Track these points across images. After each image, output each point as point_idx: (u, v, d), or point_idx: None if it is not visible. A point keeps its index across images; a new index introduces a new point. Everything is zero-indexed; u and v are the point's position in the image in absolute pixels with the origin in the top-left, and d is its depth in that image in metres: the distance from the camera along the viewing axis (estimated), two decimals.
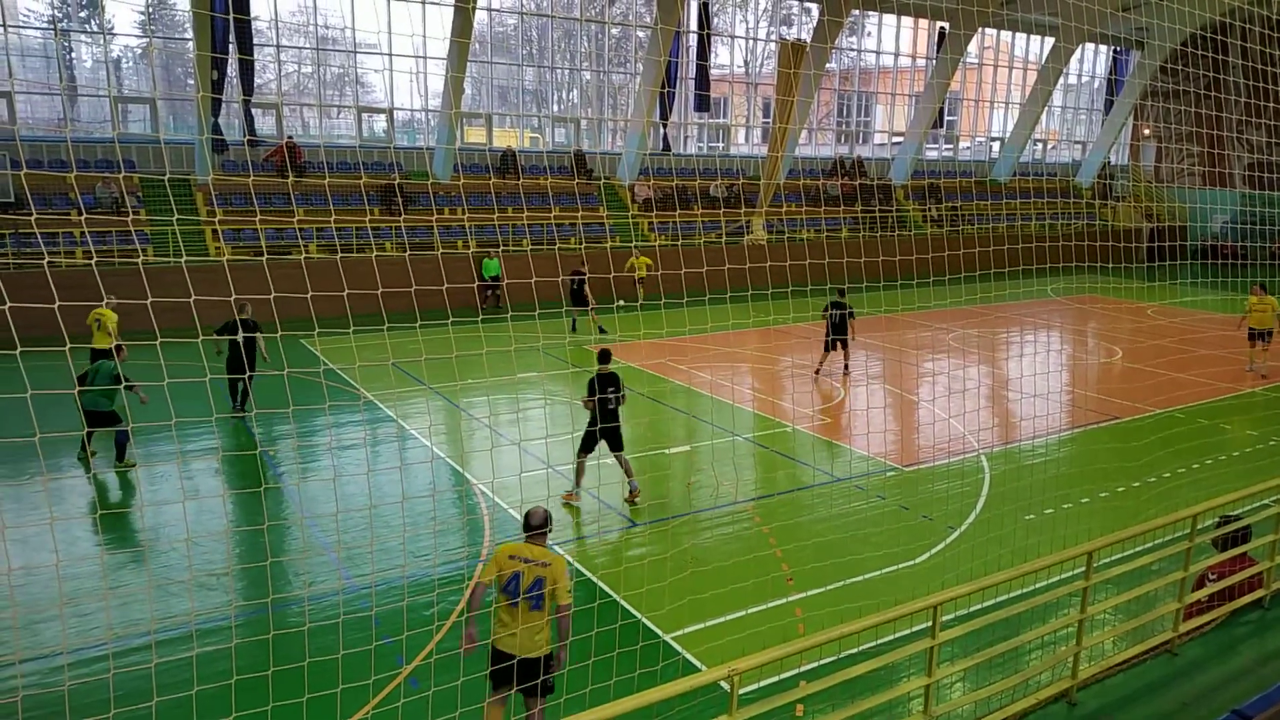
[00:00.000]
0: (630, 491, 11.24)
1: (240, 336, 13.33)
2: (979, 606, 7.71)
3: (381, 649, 7.60)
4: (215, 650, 7.52)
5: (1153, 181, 43.05)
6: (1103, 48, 42.37)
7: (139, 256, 20.98)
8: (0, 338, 5.64)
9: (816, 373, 18.05)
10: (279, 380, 15.56)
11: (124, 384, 10.76)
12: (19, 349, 5.37)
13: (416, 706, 6.65)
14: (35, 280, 18.96)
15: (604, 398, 10.81)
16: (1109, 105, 42.16)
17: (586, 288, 21.95)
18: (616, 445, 11.20)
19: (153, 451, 13.15)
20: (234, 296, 6.49)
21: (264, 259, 9.42)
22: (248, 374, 14.16)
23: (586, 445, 11.14)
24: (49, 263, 20.77)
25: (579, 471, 11.31)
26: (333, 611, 8.26)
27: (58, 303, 5.41)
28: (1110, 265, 35.91)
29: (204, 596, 8.81)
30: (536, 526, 6.33)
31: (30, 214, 20.32)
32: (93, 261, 19.50)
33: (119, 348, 12.65)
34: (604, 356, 11.33)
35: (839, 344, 17.65)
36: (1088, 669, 7.16)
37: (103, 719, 5.93)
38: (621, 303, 25.23)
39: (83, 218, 21.39)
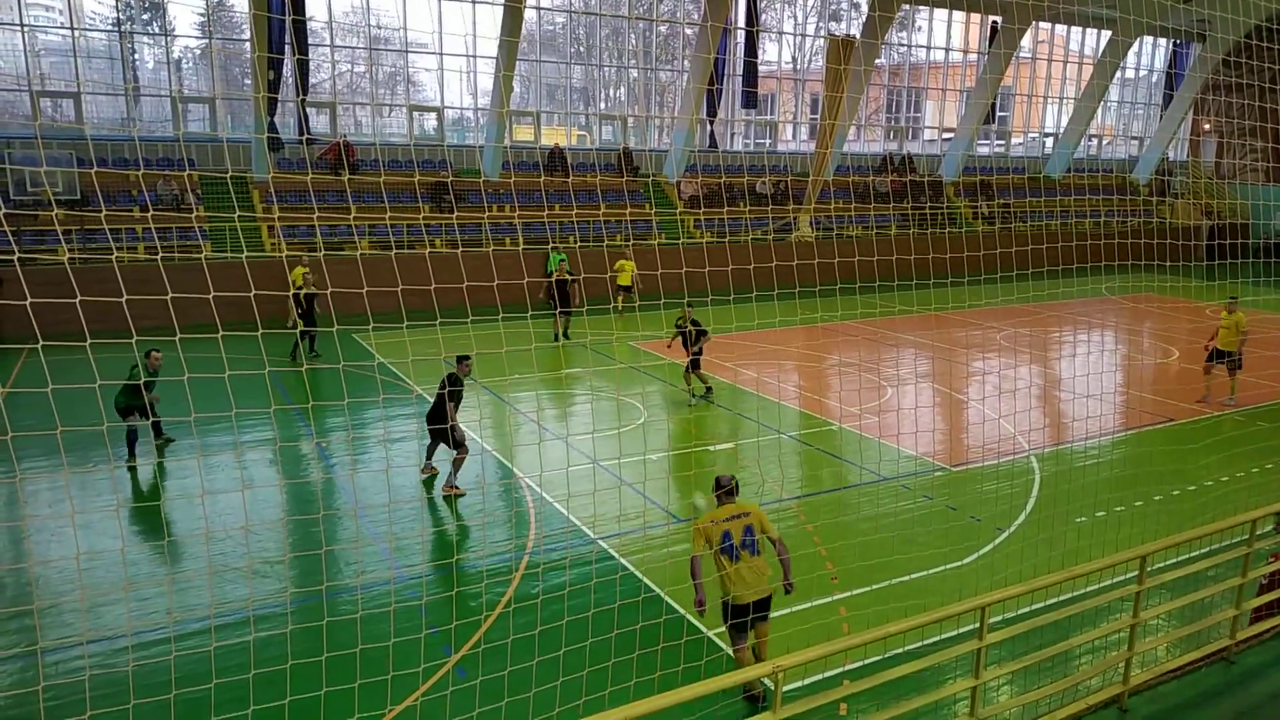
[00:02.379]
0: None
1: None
2: (1027, 609, 7.63)
3: (430, 639, 7.74)
4: (270, 635, 7.73)
5: (1213, 178, 41.87)
6: (1162, 40, 41.30)
7: (201, 252, 21.54)
8: (71, 330, 5.87)
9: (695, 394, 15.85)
10: (334, 374, 15.91)
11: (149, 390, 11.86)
12: (88, 340, 5.58)
13: (465, 695, 6.77)
14: (100, 275, 19.60)
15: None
16: (1168, 99, 41.08)
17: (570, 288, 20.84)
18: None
19: (209, 442, 13.52)
20: (293, 291, 6.63)
21: (321, 254, 9.62)
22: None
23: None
24: (115, 258, 21.39)
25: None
26: (383, 601, 8.44)
27: (125, 296, 5.61)
28: (1168, 264, 35.04)
29: (259, 584, 9.06)
30: (726, 488, 7.03)
31: (99, 210, 20.97)
32: (157, 257, 20.13)
33: (149, 354, 12.32)
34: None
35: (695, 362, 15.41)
36: (1140, 675, 7.05)
37: (164, 699, 6.14)
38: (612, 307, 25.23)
39: (149, 214, 22.03)
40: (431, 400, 11.75)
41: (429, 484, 11.90)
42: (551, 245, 25.95)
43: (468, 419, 14.90)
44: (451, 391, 11.18)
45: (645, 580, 9.04)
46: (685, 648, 7.45)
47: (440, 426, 11.34)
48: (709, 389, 15.80)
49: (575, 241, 27.46)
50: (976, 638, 6.16)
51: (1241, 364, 15.77)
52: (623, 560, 9.47)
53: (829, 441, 13.88)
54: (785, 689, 5.37)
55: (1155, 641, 7.61)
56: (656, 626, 7.98)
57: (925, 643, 7.30)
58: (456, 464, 11.46)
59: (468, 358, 11.58)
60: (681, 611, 8.38)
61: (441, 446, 11.79)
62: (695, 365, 15.42)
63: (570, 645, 6.92)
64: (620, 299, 24.69)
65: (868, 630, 6.21)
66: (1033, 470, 12.51)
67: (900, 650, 7.34)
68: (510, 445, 13.82)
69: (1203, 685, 7.18)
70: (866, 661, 7.18)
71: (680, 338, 15.48)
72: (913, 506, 11.18)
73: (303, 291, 17.58)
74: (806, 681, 7.13)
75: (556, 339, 20.91)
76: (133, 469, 12.38)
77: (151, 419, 12.74)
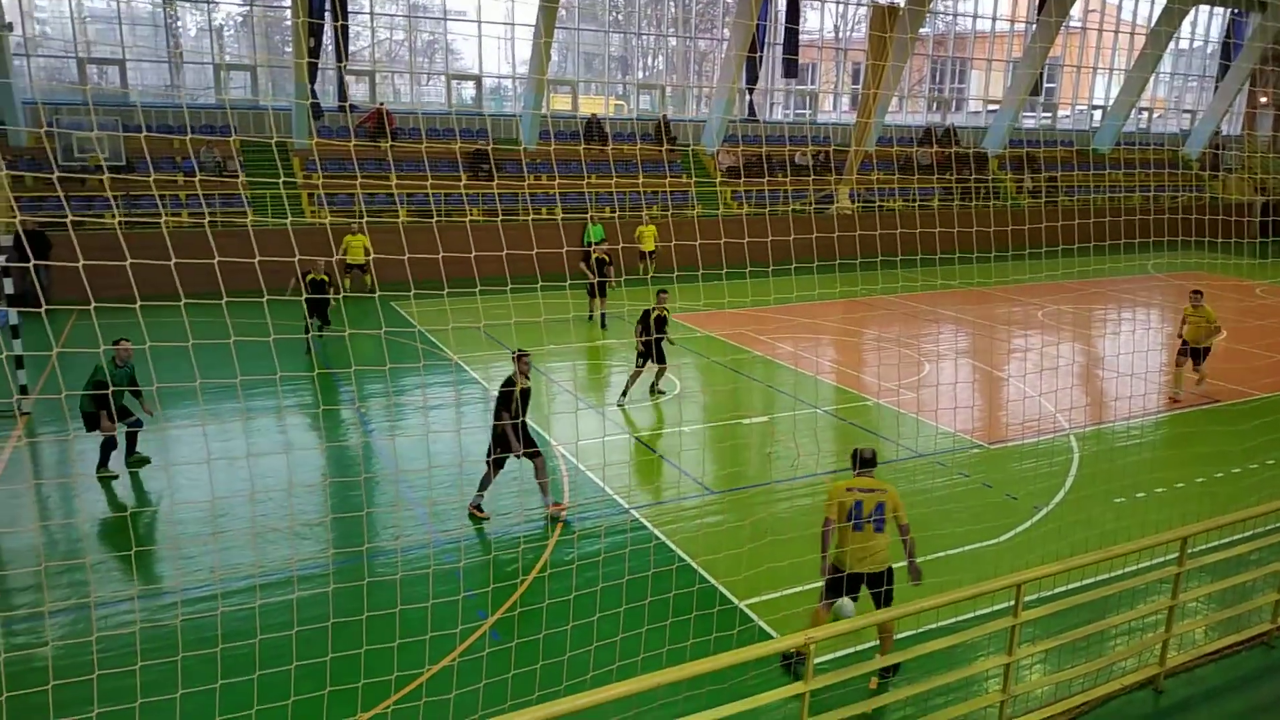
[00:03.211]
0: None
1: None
2: (1063, 588, 7.58)
3: (466, 602, 7.88)
4: (312, 595, 7.91)
5: (1268, 152, 40.60)
6: (1219, 9, 39.95)
7: (245, 218, 21.82)
8: (117, 295, 6.00)
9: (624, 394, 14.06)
10: (375, 340, 16.12)
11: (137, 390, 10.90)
12: (139, 303, 5.71)
13: (500, 657, 6.89)
14: (143, 240, 19.92)
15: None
16: (1223, 70, 39.81)
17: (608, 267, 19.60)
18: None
19: (252, 406, 13.77)
20: (335, 257, 6.71)
21: (364, 221, 9.69)
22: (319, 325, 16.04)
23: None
24: (151, 223, 21.75)
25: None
26: (421, 564, 8.59)
27: (174, 260, 5.72)
28: (1219, 241, 34.15)
29: (300, 545, 9.26)
30: (868, 460, 7.08)
31: (146, 175, 21.29)
32: (204, 221, 20.45)
33: (118, 342, 10.86)
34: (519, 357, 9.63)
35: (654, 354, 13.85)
36: (1176, 657, 7.00)
37: (211, 653, 6.33)
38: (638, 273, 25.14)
39: (197, 178, 22.37)
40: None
41: (474, 520, 9.95)
42: (590, 217, 25.85)
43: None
44: (502, 393, 9.62)
45: (678, 550, 9.11)
46: (717, 617, 7.52)
47: (502, 431, 9.58)
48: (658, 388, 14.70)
49: (611, 212, 27.39)
50: (1011, 615, 6.14)
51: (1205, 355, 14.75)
52: (655, 530, 9.54)
53: (865, 417, 13.81)
54: (816, 661, 5.41)
55: (1193, 624, 7.53)
56: (689, 595, 8.06)
57: (958, 619, 7.29)
58: (539, 471, 9.88)
59: (526, 355, 9.74)
60: (713, 581, 8.44)
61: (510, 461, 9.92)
62: (661, 358, 14.10)
63: (604, 611, 7.01)
64: (640, 265, 24.51)
65: (900, 605, 6.22)
66: (1071, 449, 12.36)
67: (933, 626, 7.35)
68: (546, 415, 13.92)
69: (1242, 669, 7.11)
70: (899, 636, 7.18)
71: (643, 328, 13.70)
72: (948, 483, 11.11)
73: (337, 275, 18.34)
74: (838, 654, 7.16)
75: (590, 318, 19.92)
76: (106, 479, 10.86)
77: (128, 428, 11.06)
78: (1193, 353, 14.67)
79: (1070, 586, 7.56)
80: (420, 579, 8.10)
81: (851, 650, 7.20)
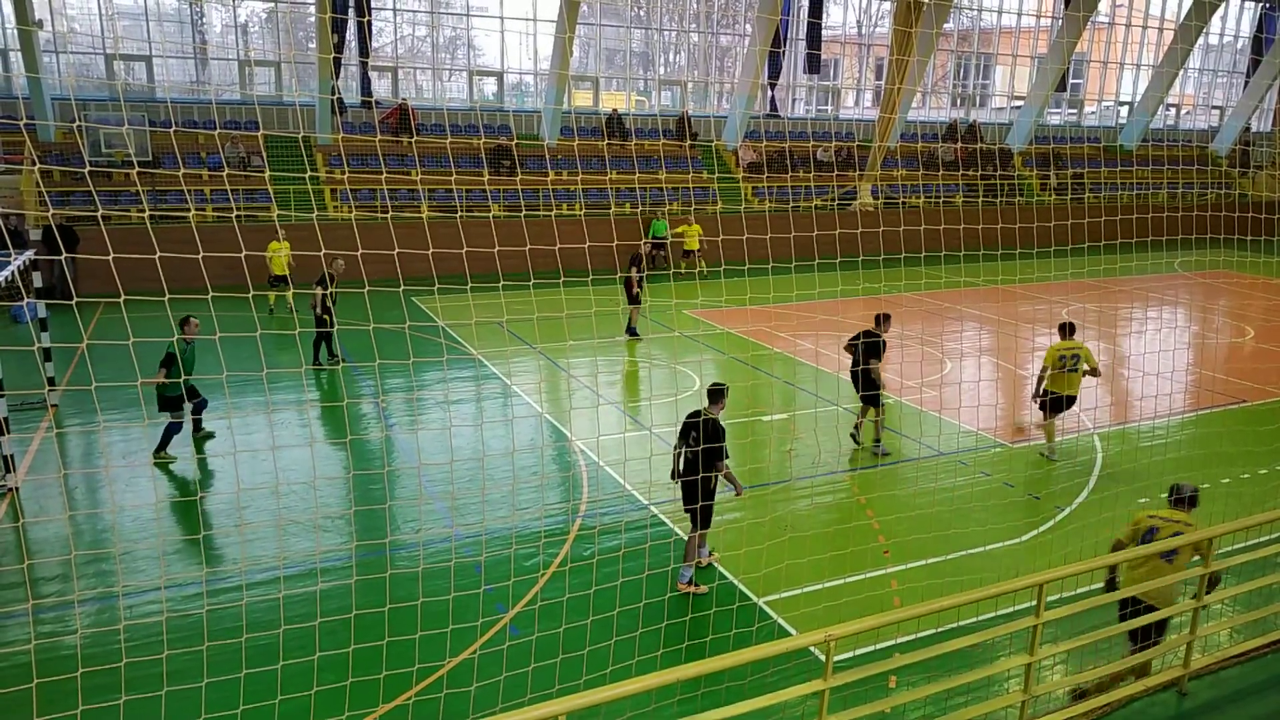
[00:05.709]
0: (696, 567, 8.39)
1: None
2: (1085, 589, 7.52)
3: (486, 596, 7.93)
4: (334, 586, 7.99)
5: None
6: (1250, 4, 39.35)
7: (271, 213, 22.00)
8: (144, 288, 6.07)
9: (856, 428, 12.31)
10: (399, 335, 16.24)
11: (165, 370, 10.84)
12: (167, 296, 5.78)
13: (519, 651, 6.93)
14: (169, 234, 20.13)
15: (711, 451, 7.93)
16: (1253, 66, 39.21)
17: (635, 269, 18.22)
18: (702, 522, 8.21)
19: (274, 400, 13.89)
20: (360, 251, 6.75)
21: (389, 217, 9.77)
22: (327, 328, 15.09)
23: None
24: (178, 217, 21.98)
25: (687, 550, 8.42)
26: (442, 557, 8.65)
27: (201, 254, 5.78)
28: (1248, 238, 33.68)
29: (323, 537, 9.34)
30: (1187, 497, 6.83)
31: (173, 170, 21.52)
32: (232, 214, 20.64)
33: (186, 320, 11.38)
34: (713, 395, 8.26)
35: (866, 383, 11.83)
36: (1200, 659, 6.93)
37: (235, 643, 6.41)
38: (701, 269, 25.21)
39: (225, 173, 22.54)
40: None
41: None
42: (656, 212, 26.56)
43: (525, 385, 15.05)
44: (709, 429, 7.93)
45: None
46: (736, 613, 7.52)
47: (697, 479, 7.89)
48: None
49: (632, 208, 27.40)
50: (1033, 615, 6.10)
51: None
52: (674, 526, 9.55)
53: (886, 415, 13.73)
54: (835, 659, 5.40)
55: (1218, 625, 7.46)
56: (708, 592, 8.07)
57: (979, 619, 7.25)
58: (691, 548, 8.34)
59: (723, 391, 8.31)
60: (731, 578, 8.43)
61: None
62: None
63: (624, 606, 7.03)
64: (684, 263, 25.01)
65: (922, 603, 6.20)
66: (1095, 449, 12.25)
67: (953, 625, 7.31)
68: (566, 410, 13.96)
69: (1269, 671, 7.02)
70: (919, 635, 7.16)
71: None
72: (969, 482, 11.04)
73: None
74: (858, 652, 7.15)
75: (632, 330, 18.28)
76: (164, 463, 11.17)
77: (194, 406, 11.54)
78: (1056, 403, 11.48)
79: (1093, 587, 7.49)
80: (441, 572, 8.15)
81: (872, 648, 7.18)
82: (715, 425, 7.94)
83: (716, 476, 8.01)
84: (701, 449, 7.78)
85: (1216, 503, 10.06)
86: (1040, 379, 11.68)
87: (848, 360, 12.08)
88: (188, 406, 11.24)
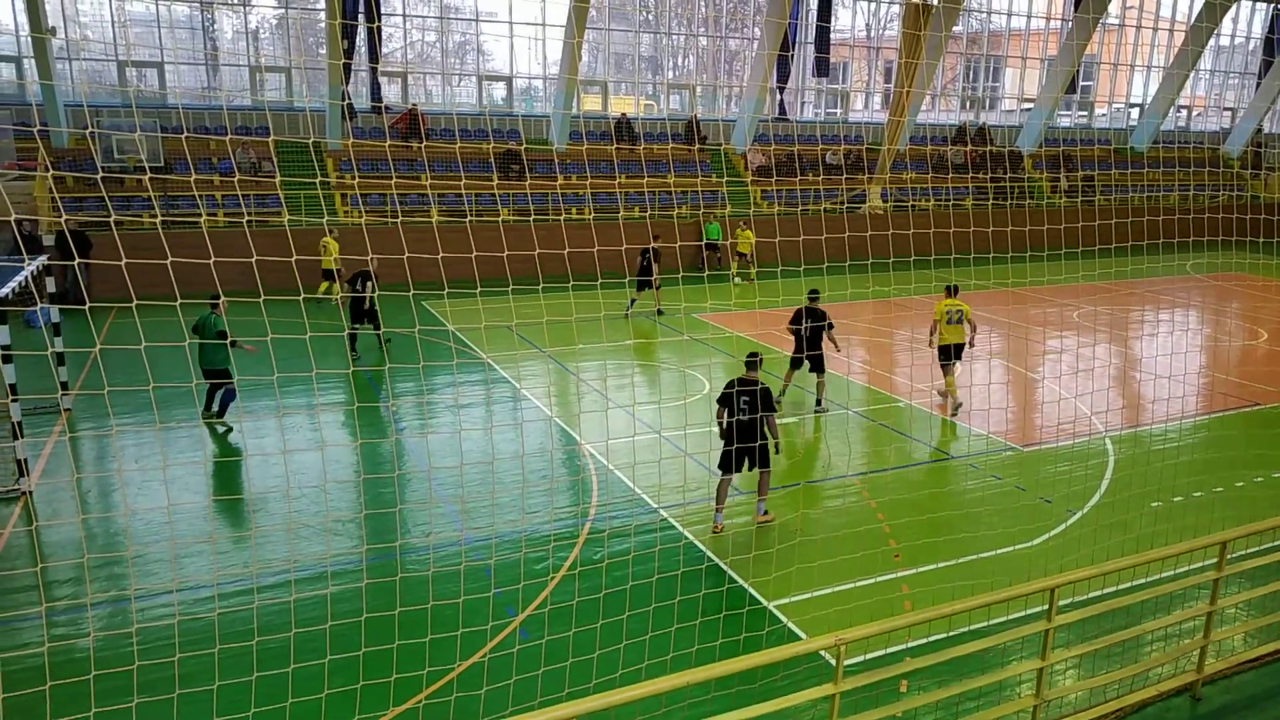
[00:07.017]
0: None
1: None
2: (1097, 593, 7.48)
3: (496, 599, 7.93)
4: (345, 590, 8.01)
5: None
6: (1261, 4, 39.15)
7: (282, 218, 22.10)
8: (156, 293, 6.10)
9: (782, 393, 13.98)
10: (409, 340, 16.29)
11: (229, 340, 11.60)
12: (179, 300, 5.81)
13: (529, 654, 6.93)
14: (180, 240, 20.25)
15: (751, 417, 9.25)
16: (1265, 67, 39.01)
17: (655, 264, 20.14)
18: (761, 460, 9.46)
19: (288, 403, 13.95)
20: (370, 256, 6.78)
21: (399, 221, 9.81)
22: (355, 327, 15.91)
23: (723, 465, 9.43)
24: (190, 222, 22.11)
25: (720, 495, 9.57)
26: (452, 560, 8.66)
27: (213, 259, 5.82)
28: (1260, 240, 33.49)
29: (334, 541, 9.37)
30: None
31: (185, 176, 21.67)
32: (244, 220, 20.75)
33: (217, 302, 11.78)
34: (751, 363, 9.64)
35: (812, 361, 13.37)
36: (1214, 664, 6.88)
37: (247, 645, 6.43)
38: (736, 276, 25.19)
39: (236, 179, 22.68)
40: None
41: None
42: (708, 215, 27.18)
43: (535, 388, 15.09)
44: (764, 393, 9.33)
45: (706, 550, 9.11)
46: (747, 617, 7.51)
47: (756, 428, 9.34)
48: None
49: (641, 212, 27.43)
50: (1045, 619, 6.07)
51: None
52: (684, 530, 9.54)
53: (896, 418, 13.71)
54: (845, 663, 5.39)
55: (1232, 630, 7.40)
56: (718, 595, 8.06)
57: (991, 623, 7.22)
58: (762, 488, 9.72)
59: (759, 358, 9.64)
60: (741, 582, 8.42)
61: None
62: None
63: (633, 610, 7.03)
64: (736, 265, 25.47)
65: (933, 607, 6.18)
66: (1107, 452, 12.19)
67: (965, 629, 7.28)
68: (575, 414, 13.97)
69: None
70: (930, 639, 7.13)
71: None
72: (980, 486, 11.00)
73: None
74: (868, 656, 7.12)
75: (660, 313, 20.57)
76: (217, 426, 12.41)
77: (221, 395, 12.44)
78: (946, 350, 13.18)
79: (1105, 591, 7.46)
80: (451, 576, 8.16)
81: (883, 652, 7.16)
82: (766, 390, 9.40)
83: (765, 428, 9.47)
84: (760, 409, 9.28)
85: (1228, 507, 10.01)
86: (932, 331, 13.51)
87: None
88: (235, 370, 12.21)
